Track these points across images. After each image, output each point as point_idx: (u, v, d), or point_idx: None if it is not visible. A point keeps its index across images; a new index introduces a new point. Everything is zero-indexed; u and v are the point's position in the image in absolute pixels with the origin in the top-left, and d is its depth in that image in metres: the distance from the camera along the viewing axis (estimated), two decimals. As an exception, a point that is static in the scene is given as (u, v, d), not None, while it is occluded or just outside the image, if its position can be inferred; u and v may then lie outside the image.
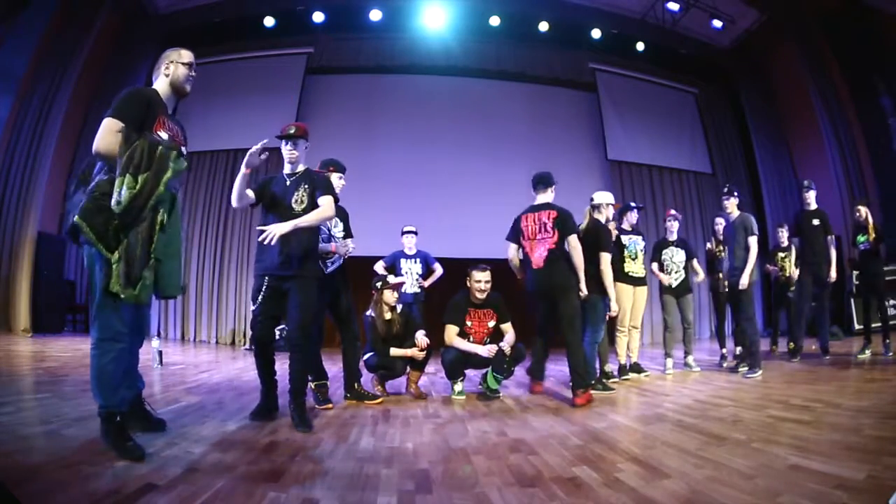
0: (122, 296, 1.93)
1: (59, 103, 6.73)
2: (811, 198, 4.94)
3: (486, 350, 3.56)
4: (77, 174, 2.14)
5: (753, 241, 4.28)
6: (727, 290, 4.82)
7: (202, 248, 8.05)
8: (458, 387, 3.66)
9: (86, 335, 6.87)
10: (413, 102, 8.50)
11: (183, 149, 2.26)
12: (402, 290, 4.62)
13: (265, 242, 2.53)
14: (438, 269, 5.24)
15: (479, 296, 3.67)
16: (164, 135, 2.12)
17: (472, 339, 3.67)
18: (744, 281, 4.25)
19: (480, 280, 3.64)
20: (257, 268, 2.77)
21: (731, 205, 4.47)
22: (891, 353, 4.63)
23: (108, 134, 1.96)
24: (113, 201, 1.89)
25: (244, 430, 2.47)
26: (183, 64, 2.28)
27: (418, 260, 5.17)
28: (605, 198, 4.04)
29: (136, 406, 2.28)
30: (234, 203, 2.78)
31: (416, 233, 5.27)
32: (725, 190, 4.59)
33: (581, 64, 9.12)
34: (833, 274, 4.73)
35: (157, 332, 7.38)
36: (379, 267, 4.94)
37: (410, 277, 5.03)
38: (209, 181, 8.21)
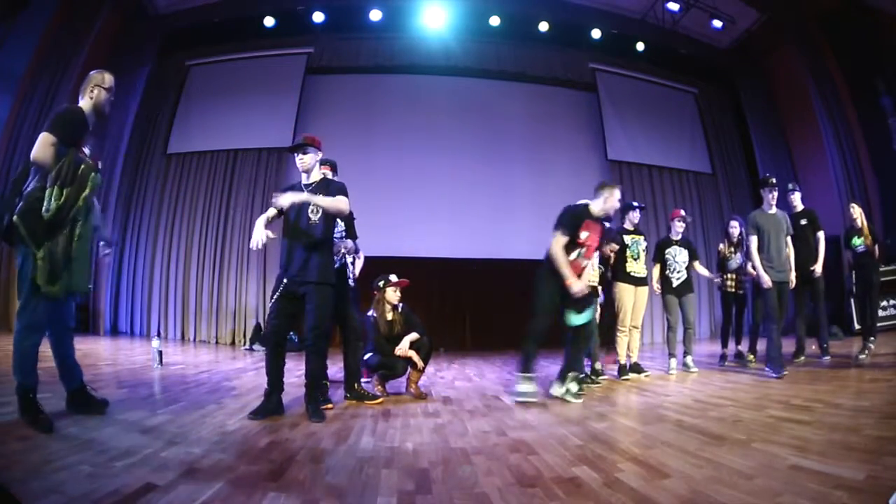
0: (43, 290, 2.26)
1: (58, 103, 6.72)
2: (796, 200, 4.97)
3: (580, 286, 3.25)
4: (13, 180, 2.42)
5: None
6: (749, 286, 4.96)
7: (202, 248, 8.03)
8: (529, 387, 3.27)
9: (85, 335, 6.88)
10: (413, 102, 8.49)
11: (99, 163, 2.58)
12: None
13: (278, 205, 2.79)
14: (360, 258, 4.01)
15: (609, 212, 3.43)
16: (87, 151, 2.45)
17: (581, 253, 3.34)
18: (818, 269, 4.62)
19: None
20: (280, 272, 2.95)
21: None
22: (865, 353, 4.64)
23: (44, 146, 2.25)
24: (44, 209, 2.25)
25: (244, 430, 2.47)
26: (105, 89, 2.55)
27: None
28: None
29: (80, 393, 2.55)
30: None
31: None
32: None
33: (581, 64, 9.12)
34: (818, 268, 4.73)
35: (158, 332, 7.37)
36: None
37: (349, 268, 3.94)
38: (209, 181, 8.19)
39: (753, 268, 4.45)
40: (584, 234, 3.33)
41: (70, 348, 2.58)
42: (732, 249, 5.19)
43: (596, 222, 3.41)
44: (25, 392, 2.26)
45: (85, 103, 2.50)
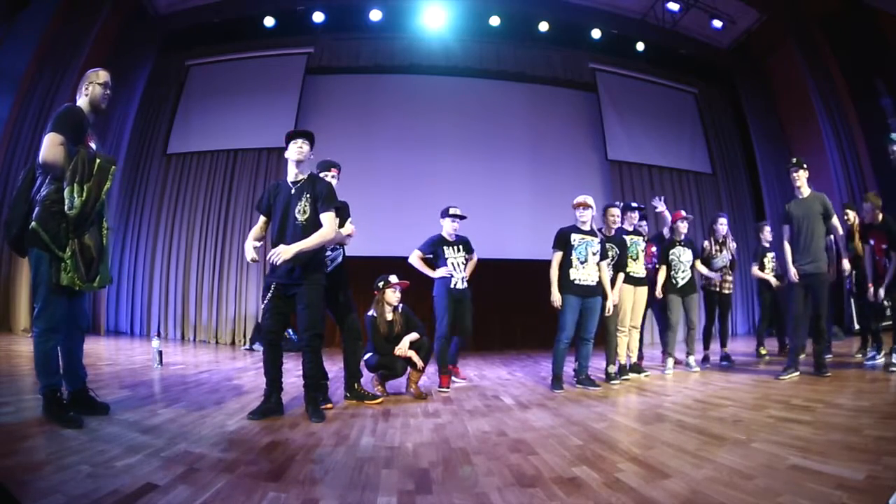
0: (82, 287, 2.31)
1: (58, 103, 6.71)
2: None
3: None
4: (17, 191, 2.42)
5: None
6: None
7: (202, 248, 8.02)
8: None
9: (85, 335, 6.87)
10: (413, 102, 8.48)
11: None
12: (453, 286, 4.14)
13: (272, 263, 2.75)
14: (474, 257, 4.50)
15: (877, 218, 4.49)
16: (93, 145, 2.48)
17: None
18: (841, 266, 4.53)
19: None
20: (268, 275, 2.99)
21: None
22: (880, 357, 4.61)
23: (53, 147, 2.28)
24: (66, 207, 2.26)
25: (244, 430, 2.47)
26: (99, 84, 2.55)
27: (460, 247, 4.36)
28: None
29: (81, 395, 2.57)
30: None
31: (463, 217, 4.44)
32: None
33: (581, 64, 9.11)
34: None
35: (158, 332, 7.37)
36: (415, 258, 4.28)
37: (457, 269, 4.27)
38: (209, 181, 8.19)
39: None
40: (871, 241, 4.43)
41: (79, 349, 2.59)
42: (718, 247, 5.07)
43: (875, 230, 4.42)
44: (52, 392, 2.33)
45: (82, 101, 2.53)
